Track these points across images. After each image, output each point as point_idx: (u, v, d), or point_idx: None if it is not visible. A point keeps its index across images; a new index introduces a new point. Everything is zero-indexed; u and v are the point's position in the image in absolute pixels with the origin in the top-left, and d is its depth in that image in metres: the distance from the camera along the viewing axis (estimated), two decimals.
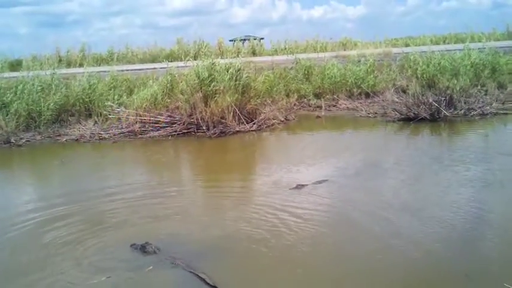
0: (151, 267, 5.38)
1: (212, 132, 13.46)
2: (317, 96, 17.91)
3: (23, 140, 14.03)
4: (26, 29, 72.12)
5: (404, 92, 16.53)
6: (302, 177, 8.81)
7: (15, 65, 25.57)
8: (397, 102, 15.24)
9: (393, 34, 41.56)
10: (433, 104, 13.87)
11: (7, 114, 14.45)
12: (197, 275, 5.10)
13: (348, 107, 16.93)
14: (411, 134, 13.02)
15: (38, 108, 14.76)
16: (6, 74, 17.69)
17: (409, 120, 13.96)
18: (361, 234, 6.15)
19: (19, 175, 11.54)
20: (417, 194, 7.73)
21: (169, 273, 5.31)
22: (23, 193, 9.41)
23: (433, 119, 13.76)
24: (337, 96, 17.72)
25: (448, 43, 28.85)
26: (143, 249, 5.79)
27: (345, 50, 27.58)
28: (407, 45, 28.69)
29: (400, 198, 7.48)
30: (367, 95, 17.59)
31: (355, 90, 17.79)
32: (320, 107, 17.04)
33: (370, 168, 9.29)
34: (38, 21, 75.97)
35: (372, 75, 18.19)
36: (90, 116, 15.33)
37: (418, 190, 7.94)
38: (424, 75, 17.40)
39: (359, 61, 19.29)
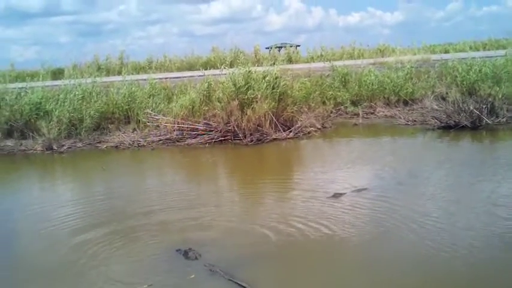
0: (193, 275, 5.42)
1: (249, 139, 13.50)
2: (354, 103, 17.75)
3: (65, 147, 14.38)
4: (66, 38, 73.96)
5: (443, 99, 16.21)
6: (340, 185, 8.75)
7: (57, 73, 26.27)
8: (436, 109, 14.98)
9: (432, 40, 40.76)
10: (474, 111, 13.58)
11: (49, 122, 14.81)
12: (238, 284, 5.11)
13: (386, 115, 16.74)
14: (452, 142, 12.78)
15: (79, 116, 15.09)
16: (49, 83, 18.15)
17: (449, 128, 13.71)
18: (402, 245, 6.05)
19: (62, 181, 11.79)
20: (460, 203, 7.56)
21: (212, 282, 5.32)
22: (67, 198, 9.62)
23: (474, 127, 13.48)
24: (375, 103, 17.53)
25: (489, 49, 28.18)
26: (186, 255, 5.89)
27: (382, 56, 27.22)
28: (446, 51, 28.22)
29: (442, 208, 7.34)
30: (406, 103, 17.37)
31: (393, 97, 17.58)
32: (357, 115, 16.88)
33: (410, 177, 9.14)
34: (77, 30, 77.86)
35: (410, 82, 17.95)
36: (129, 123, 15.58)
37: (461, 199, 7.75)
38: (464, 82, 17.04)
39: (397, 68, 19.04)
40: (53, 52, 70.26)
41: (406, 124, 15.26)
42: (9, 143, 14.84)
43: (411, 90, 17.63)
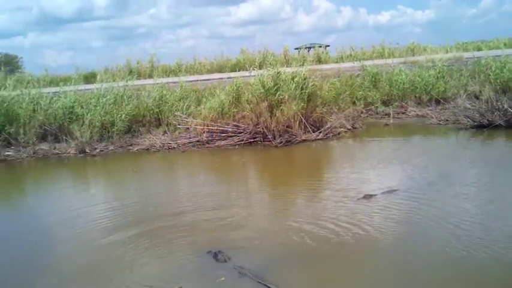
0: (223, 278, 5.43)
1: (278, 141, 13.47)
2: (385, 103, 17.56)
3: (97, 150, 14.60)
4: (98, 42, 75.42)
5: (476, 98, 15.91)
6: (370, 186, 8.65)
7: (90, 78, 26.77)
8: (469, 108, 14.67)
9: (464, 38, 40.12)
10: (509, 110, 13.28)
11: (82, 125, 15.07)
12: (268, 287, 5.11)
13: (417, 114, 16.51)
14: (485, 141, 12.51)
15: (110, 119, 15.31)
16: (82, 87, 18.47)
17: (483, 127, 13.41)
18: (438, 245, 5.94)
19: (94, 183, 11.99)
20: (495, 203, 7.41)
21: (241, 284, 5.32)
22: (98, 199, 9.75)
23: (509, 126, 13.15)
24: (406, 103, 17.30)
25: None
26: (215, 257, 5.91)
27: (413, 55, 26.87)
28: (479, 49, 27.65)
29: (478, 208, 7.21)
30: (437, 102, 17.11)
31: (424, 96, 17.33)
32: (388, 115, 16.71)
33: (444, 177, 8.95)
34: (109, 34, 79.36)
35: (442, 81, 17.65)
36: (159, 126, 15.73)
37: (496, 199, 7.59)
38: (498, 80, 16.70)
39: (428, 67, 18.75)
40: (85, 57, 71.89)
41: (438, 123, 15.01)
42: (44, 146, 15.13)
43: (443, 89, 17.34)
